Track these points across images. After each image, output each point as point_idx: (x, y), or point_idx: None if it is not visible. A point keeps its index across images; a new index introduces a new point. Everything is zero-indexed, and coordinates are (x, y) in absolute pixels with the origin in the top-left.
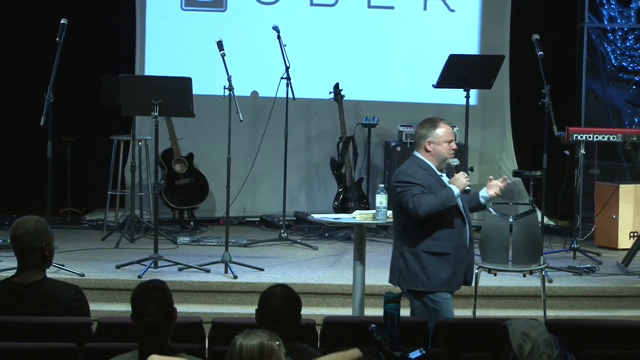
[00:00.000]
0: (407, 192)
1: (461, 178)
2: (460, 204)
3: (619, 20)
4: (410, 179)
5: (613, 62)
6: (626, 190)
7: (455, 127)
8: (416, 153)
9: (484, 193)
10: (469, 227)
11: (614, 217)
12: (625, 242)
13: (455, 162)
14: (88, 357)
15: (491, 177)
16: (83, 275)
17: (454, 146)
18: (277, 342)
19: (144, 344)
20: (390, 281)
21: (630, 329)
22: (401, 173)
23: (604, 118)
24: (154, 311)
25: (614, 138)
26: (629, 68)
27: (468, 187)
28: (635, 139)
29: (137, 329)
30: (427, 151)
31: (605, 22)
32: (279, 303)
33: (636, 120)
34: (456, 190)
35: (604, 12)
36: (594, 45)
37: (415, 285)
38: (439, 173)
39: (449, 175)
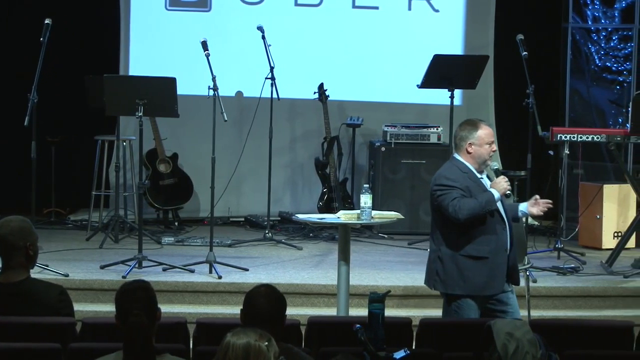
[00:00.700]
0: (447, 195)
1: (502, 182)
2: (501, 207)
3: (602, 21)
4: (450, 182)
5: (597, 62)
6: (610, 190)
7: (439, 127)
8: (456, 155)
9: (523, 208)
10: (510, 230)
11: (598, 217)
12: (609, 242)
13: (495, 165)
14: (72, 358)
15: (537, 196)
16: (67, 275)
17: (494, 148)
18: (267, 343)
19: (128, 344)
20: (425, 283)
21: (614, 329)
22: (440, 176)
23: (588, 118)
24: (138, 311)
25: (598, 138)
26: (613, 68)
27: (509, 192)
28: (619, 139)
29: (121, 330)
30: (468, 153)
31: (590, 23)
32: (264, 303)
33: (620, 120)
34: (497, 194)
35: (588, 12)
36: (578, 45)
37: (452, 289)
38: (479, 176)
39: (490, 178)
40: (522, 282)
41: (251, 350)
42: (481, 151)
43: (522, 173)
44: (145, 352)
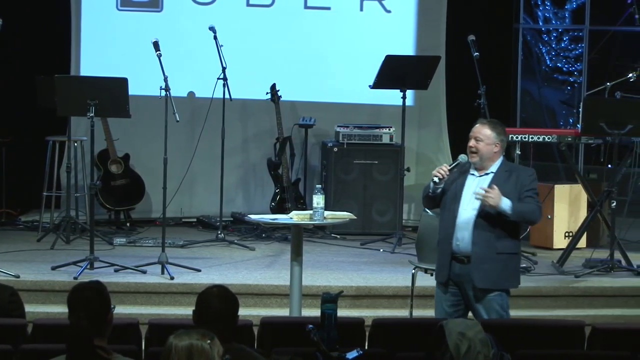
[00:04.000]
0: None
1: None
2: (460, 200)
3: (553, 22)
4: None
5: (548, 62)
6: (561, 191)
7: (391, 127)
8: None
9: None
10: (473, 228)
11: (549, 217)
12: (560, 242)
13: (460, 158)
14: (23, 359)
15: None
16: (18, 276)
17: (469, 143)
18: (209, 341)
19: (70, 346)
20: None
21: (565, 329)
22: None
23: (539, 118)
24: (79, 313)
25: (549, 138)
26: (564, 69)
27: (435, 178)
28: (570, 139)
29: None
30: None
31: (541, 23)
32: (216, 304)
33: (571, 120)
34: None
35: (539, 13)
36: (529, 46)
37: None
38: (475, 174)
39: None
40: None
41: (194, 350)
42: None
43: None
44: (87, 354)
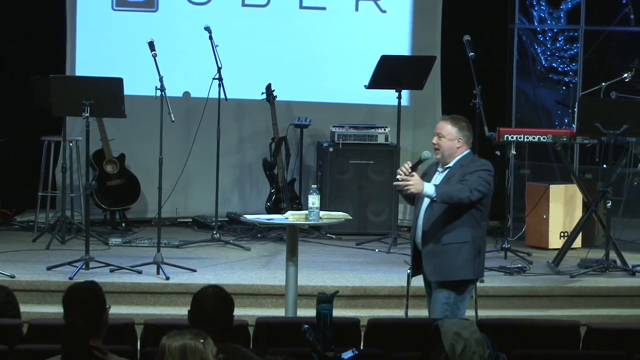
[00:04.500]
0: None
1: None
2: (421, 199)
3: (549, 22)
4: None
5: (543, 63)
6: (556, 191)
7: (387, 127)
8: None
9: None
10: (423, 223)
11: (545, 217)
12: (555, 242)
13: (423, 154)
14: (19, 359)
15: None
16: (13, 276)
17: (434, 140)
18: (202, 341)
19: (65, 346)
20: None
21: (560, 329)
22: None
23: (535, 119)
24: (75, 313)
25: (544, 138)
26: (559, 69)
27: (398, 177)
28: (565, 139)
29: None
30: None
31: (536, 24)
32: (211, 304)
33: (566, 120)
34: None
35: (534, 13)
36: (524, 46)
37: None
38: (439, 169)
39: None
40: None
41: (187, 350)
42: None
43: None
44: (82, 354)
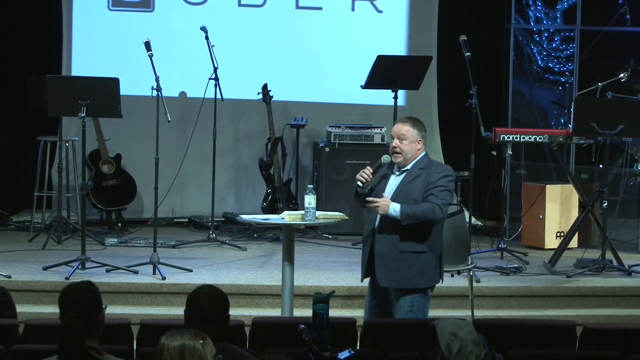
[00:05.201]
0: None
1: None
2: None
3: (545, 22)
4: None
5: (539, 63)
6: (552, 191)
7: (383, 127)
8: None
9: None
10: (378, 227)
11: (541, 217)
12: (551, 242)
13: (382, 158)
14: (15, 359)
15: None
16: (10, 277)
17: (393, 144)
18: (201, 341)
19: (61, 346)
20: None
21: (556, 329)
22: None
23: (531, 119)
24: (71, 313)
25: (540, 138)
26: (555, 69)
27: (358, 182)
28: (561, 139)
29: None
30: None
31: (532, 24)
32: (207, 304)
33: (562, 120)
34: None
35: (531, 13)
36: (520, 46)
37: None
38: (395, 172)
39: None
40: (466, 282)
41: (186, 350)
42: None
43: (466, 173)
44: (78, 354)
